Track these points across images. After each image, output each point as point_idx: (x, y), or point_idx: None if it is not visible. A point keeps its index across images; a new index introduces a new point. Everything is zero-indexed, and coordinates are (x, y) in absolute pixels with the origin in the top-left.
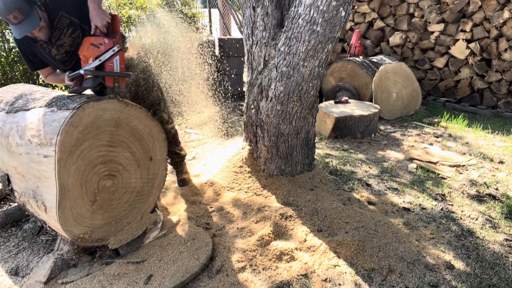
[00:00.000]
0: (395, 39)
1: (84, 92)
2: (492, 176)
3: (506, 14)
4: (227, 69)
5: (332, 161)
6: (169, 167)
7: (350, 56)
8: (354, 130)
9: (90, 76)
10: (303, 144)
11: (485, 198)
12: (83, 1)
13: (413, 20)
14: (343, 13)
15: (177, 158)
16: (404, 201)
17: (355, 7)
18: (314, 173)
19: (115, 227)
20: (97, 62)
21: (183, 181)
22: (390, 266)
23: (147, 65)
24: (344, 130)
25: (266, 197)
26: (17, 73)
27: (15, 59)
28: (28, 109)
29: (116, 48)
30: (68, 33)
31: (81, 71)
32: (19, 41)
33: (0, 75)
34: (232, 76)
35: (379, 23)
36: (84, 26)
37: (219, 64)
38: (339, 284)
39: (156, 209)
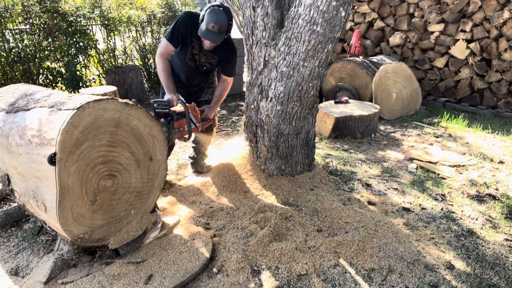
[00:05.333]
0: (395, 39)
1: (84, 92)
2: (492, 176)
3: (506, 14)
4: None
5: (332, 161)
6: (169, 167)
7: (350, 56)
8: (354, 130)
9: (174, 110)
10: (303, 144)
11: (485, 198)
12: (230, 58)
13: (413, 20)
14: (343, 13)
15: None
16: (404, 201)
17: (355, 7)
18: (314, 173)
19: (115, 227)
20: (180, 108)
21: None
22: (390, 266)
23: None
24: (344, 130)
25: (266, 197)
26: (17, 73)
27: (15, 59)
28: (28, 109)
29: (197, 124)
30: (208, 57)
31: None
32: (188, 23)
33: (0, 75)
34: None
35: (379, 23)
36: (217, 64)
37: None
38: (339, 284)
39: (156, 209)
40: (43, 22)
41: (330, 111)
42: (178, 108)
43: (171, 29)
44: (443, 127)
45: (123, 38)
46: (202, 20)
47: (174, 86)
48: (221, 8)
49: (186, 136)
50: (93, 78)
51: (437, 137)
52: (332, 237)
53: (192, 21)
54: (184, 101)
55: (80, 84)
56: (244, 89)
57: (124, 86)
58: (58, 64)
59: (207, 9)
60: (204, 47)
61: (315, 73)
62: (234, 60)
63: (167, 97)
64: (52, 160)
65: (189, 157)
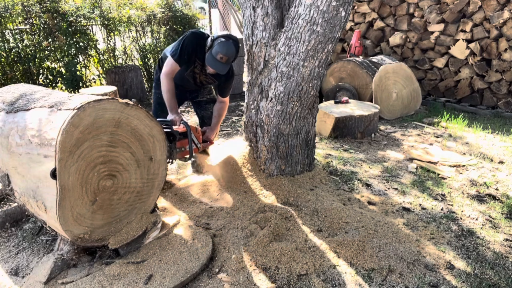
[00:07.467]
0: (395, 39)
1: (84, 92)
2: (492, 176)
3: (506, 14)
4: None
5: (332, 161)
6: (169, 167)
7: (350, 56)
8: (354, 130)
9: (176, 130)
10: (303, 144)
11: (485, 198)
12: (229, 82)
13: (413, 20)
14: (343, 13)
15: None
16: (404, 201)
17: (355, 7)
18: (314, 173)
19: (115, 227)
20: (183, 128)
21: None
22: (390, 266)
23: None
24: (344, 130)
25: (266, 197)
26: (17, 73)
27: (15, 59)
28: (29, 109)
29: (198, 145)
30: (207, 77)
31: (175, 127)
32: (195, 43)
33: (0, 75)
34: None
35: (379, 23)
36: (215, 84)
37: None
38: (339, 284)
39: (156, 209)
40: (43, 22)
41: (330, 111)
42: (181, 128)
43: (179, 50)
44: (443, 127)
45: (123, 38)
46: (210, 47)
47: (177, 107)
48: (230, 40)
49: (187, 156)
50: (93, 78)
51: (437, 137)
52: (332, 237)
53: (199, 42)
54: (187, 122)
55: (80, 84)
56: (244, 89)
57: (124, 86)
58: (58, 64)
59: (216, 39)
60: (207, 71)
61: (315, 73)
62: (232, 83)
63: (170, 117)
64: (54, 174)
65: None
